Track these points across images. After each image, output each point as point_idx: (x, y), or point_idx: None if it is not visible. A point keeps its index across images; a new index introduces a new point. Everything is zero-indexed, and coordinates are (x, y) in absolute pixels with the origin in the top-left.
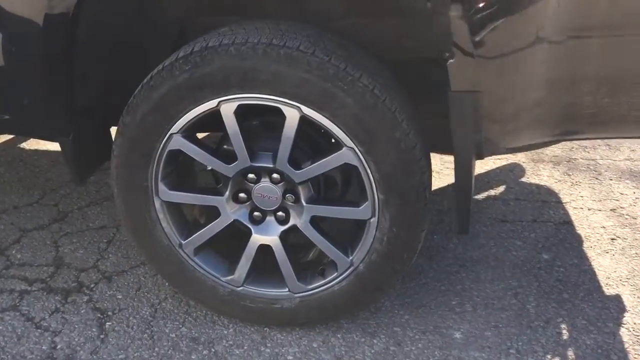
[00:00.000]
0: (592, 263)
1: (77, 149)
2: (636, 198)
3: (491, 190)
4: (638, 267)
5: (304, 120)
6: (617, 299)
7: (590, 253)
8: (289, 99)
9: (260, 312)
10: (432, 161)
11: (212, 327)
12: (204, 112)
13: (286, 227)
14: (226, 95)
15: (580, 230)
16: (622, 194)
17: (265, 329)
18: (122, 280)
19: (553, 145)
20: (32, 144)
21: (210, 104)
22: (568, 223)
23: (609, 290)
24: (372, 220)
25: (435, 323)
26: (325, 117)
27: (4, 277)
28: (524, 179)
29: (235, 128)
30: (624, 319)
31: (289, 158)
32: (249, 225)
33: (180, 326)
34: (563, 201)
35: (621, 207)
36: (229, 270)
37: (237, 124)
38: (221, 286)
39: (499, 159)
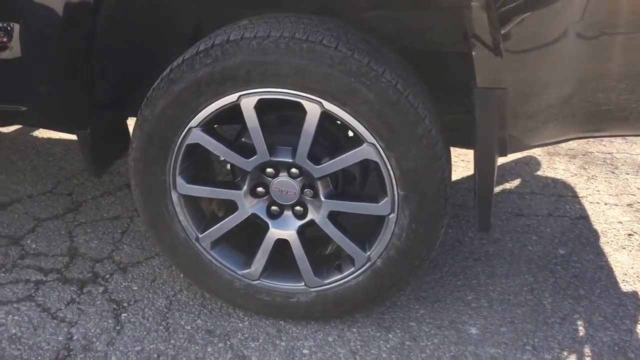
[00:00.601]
0: (609, 259)
1: (95, 141)
2: None
3: (506, 184)
4: None
5: (325, 115)
6: (634, 295)
7: (607, 249)
8: (310, 94)
9: (276, 305)
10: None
11: (228, 320)
12: (224, 106)
13: (304, 221)
14: (247, 90)
15: (597, 225)
16: (639, 188)
17: (280, 322)
18: (137, 271)
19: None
20: (46, 132)
21: (231, 98)
22: (584, 218)
23: (625, 287)
24: (391, 216)
25: (451, 318)
26: (347, 112)
27: (20, 267)
28: (539, 173)
29: (255, 122)
30: None
31: (308, 153)
32: (267, 220)
33: (196, 318)
34: (579, 195)
35: (638, 202)
36: (245, 264)
37: (257, 119)
38: (237, 279)
39: None
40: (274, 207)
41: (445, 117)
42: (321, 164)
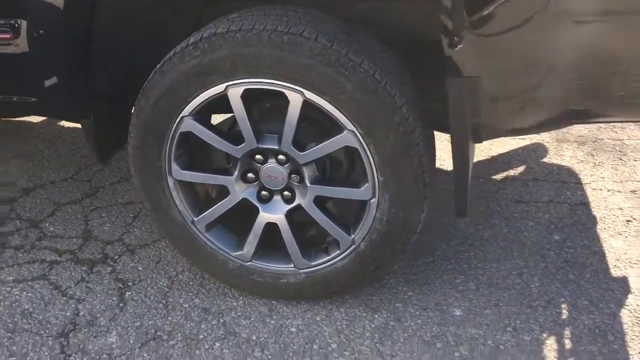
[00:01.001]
0: (604, 245)
1: (98, 130)
2: None
3: (511, 171)
4: None
5: (307, 104)
6: (623, 280)
7: (603, 235)
8: (292, 84)
9: (267, 286)
10: (444, 143)
11: (223, 299)
12: (212, 96)
13: (292, 206)
14: (233, 80)
15: (596, 211)
16: None
17: (272, 301)
18: (144, 253)
19: (579, 125)
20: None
21: (219, 89)
22: (584, 204)
23: (616, 272)
24: (372, 201)
25: (437, 300)
26: (327, 101)
27: (37, 248)
28: (545, 159)
29: (242, 111)
30: (627, 300)
31: (293, 140)
32: (257, 204)
33: (194, 297)
34: (583, 182)
35: None
36: (238, 246)
37: (244, 108)
38: (231, 261)
39: (522, 138)
40: (263, 192)
41: (433, 105)
42: (305, 151)
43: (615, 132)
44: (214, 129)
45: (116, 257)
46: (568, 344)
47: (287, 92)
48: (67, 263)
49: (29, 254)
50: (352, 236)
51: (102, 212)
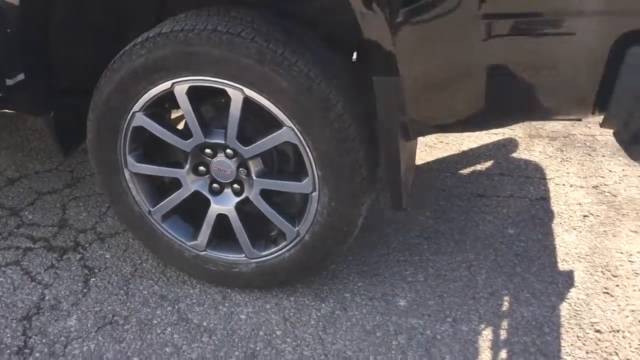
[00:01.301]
0: (556, 239)
1: (59, 124)
2: (623, 175)
3: (478, 165)
4: (601, 245)
5: (249, 101)
6: (569, 274)
7: (557, 229)
8: (232, 82)
9: (221, 274)
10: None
11: (181, 287)
12: (160, 92)
13: (240, 198)
14: (178, 78)
15: (555, 206)
16: (610, 171)
17: (227, 290)
18: (113, 241)
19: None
20: None
21: (165, 85)
22: (545, 199)
23: (563, 266)
24: (313, 194)
25: (384, 291)
26: (265, 98)
27: (14, 235)
28: (514, 154)
29: (188, 107)
30: (569, 294)
31: (237, 135)
32: (208, 196)
33: (154, 285)
34: (547, 177)
35: (605, 185)
36: (193, 236)
37: (190, 104)
38: (187, 250)
39: (495, 133)
40: (215, 185)
41: None
42: (250, 146)
43: (588, 127)
44: (165, 124)
45: (87, 245)
46: (503, 334)
47: (228, 89)
48: (40, 250)
49: (6, 240)
50: (297, 228)
51: (79, 202)
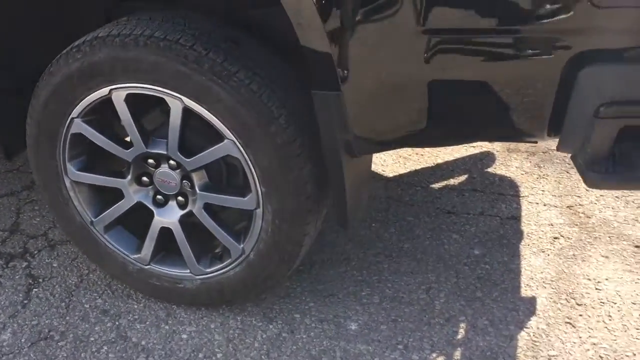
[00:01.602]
0: (522, 262)
1: (1, 127)
2: (600, 195)
3: (451, 180)
4: (568, 270)
5: (189, 111)
6: (531, 301)
7: (524, 251)
8: (170, 91)
9: (165, 290)
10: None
11: (125, 301)
12: (98, 98)
13: (185, 211)
14: (115, 84)
15: (526, 226)
16: (587, 190)
17: (173, 306)
18: (63, 249)
19: None
20: None
21: (103, 92)
22: (515, 218)
23: (526, 292)
24: (257, 211)
25: (336, 313)
26: (205, 109)
27: None
28: (490, 169)
29: (127, 115)
30: (529, 322)
31: (179, 146)
32: (152, 208)
33: (98, 298)
34: (521, 195)
35: (580, 205)
36: (137, 249)
37: (129, 111)
38: (130, 263)
39: (472, 146)
40: (159, 196)
41: None
42: (192, 157)
43: None
44: (105, 131)
45: (35, 252)
46: None
47: (167, 98)
48: None
49: None
50: (242, 245)
51: (35, 206)
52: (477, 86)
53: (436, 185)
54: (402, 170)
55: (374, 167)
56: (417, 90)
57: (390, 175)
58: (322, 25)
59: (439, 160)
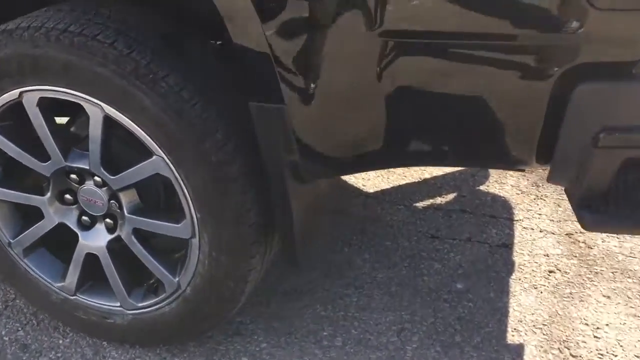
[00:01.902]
0: (511, 300)
1: None
2: None
3: (438, 198)
4: (563, 312)
5: (111, 120)
6: (518, 350)
7: (514, 287)
8: (88, 95)
9: (93, 325)
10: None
11: (51, 335)
12: (7, 102)
13: (113, 236)
14: (25, 86)
15: (517, 256)
16: None
17: (103, 343)
18: None
19: None
20: None
21: (12, 94)
22: (507, 246)
23: (513, 338)
24: (193, 240)
25: (291, 357)
26: (129, 119)
27: None
28: (482, 187)
29: (40, 122)
30: None
31: (102, 161)
32: (76, 230)
33: (20, 329)
34: (515, 218)
35: (580, 232)
36: (62, 276)
37: (43, 118)
38: (54, 292)
39: None
40: (84, 217)
41: None
42: (117, 175)
43: None
44: (19, 141)
45: None
46: None
47: (85, 104)
48: None
49: None
50: (177, 279)
51: None
52: (444, 101)
53: (420, 204)
54: (385, 186)
55: (352, 181)
56: (373, 104)
57: (371, 190)
58: (259, 19)
59: (426, 175)
